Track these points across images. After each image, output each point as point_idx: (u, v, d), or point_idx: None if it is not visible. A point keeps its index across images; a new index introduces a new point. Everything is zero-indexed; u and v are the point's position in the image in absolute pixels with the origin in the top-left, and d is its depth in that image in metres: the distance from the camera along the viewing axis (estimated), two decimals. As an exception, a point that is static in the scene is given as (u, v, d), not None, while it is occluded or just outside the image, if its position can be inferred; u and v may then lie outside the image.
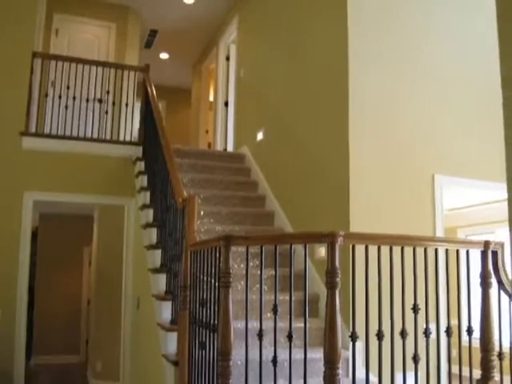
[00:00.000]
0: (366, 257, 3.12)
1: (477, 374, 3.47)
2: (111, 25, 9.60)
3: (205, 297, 3.83)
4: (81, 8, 9.42)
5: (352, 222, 5.14)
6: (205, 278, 3.88)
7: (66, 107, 7.21)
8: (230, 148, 9.36)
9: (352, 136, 5.30)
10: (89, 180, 7.31)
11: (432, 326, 3.31)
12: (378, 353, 3.03)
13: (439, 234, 5.46)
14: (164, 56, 12.16)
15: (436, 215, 5.48)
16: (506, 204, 2.22)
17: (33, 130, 7.29)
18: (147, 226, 6.15)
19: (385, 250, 3.17)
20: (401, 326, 3.16)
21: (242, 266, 5.42)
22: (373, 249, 3.14)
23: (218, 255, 3.56)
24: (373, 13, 5.61)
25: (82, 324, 12.49)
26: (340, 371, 2.86)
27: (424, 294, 3.27)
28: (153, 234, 5.94)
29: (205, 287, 3.85)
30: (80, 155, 7.30)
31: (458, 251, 3.56)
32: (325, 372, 2.85)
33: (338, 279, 2.89)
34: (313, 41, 6.29)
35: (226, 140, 9.70)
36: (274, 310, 3.19)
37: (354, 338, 3.06)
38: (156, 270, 5.47)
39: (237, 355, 3.54)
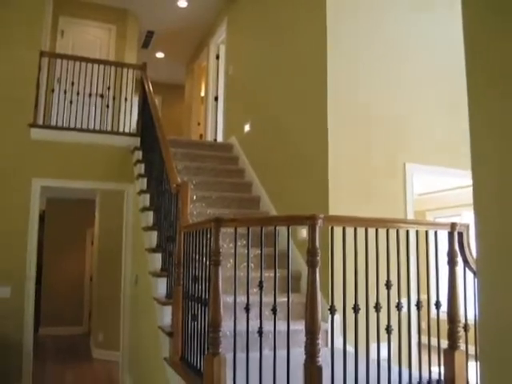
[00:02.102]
0: (344, 237, 3.10)
1: (444, 344, 3.47)
2: (112, 27, 9.50)
3: (197, 274, 3.80)
4: (84, 11, 9.31)
5: (331, 205, 5.12)
6: (197, 257, 3.84)
7: (71, 101, 7.14)
8: (219, 139, 9.31)
9: (330, 128, 5.27)
10: (91, 167, 7.24)
11: (403, 301, 3.29)
12: (354, 325, 3.01)
13: (410, 216, 5.45)
14: (160, 55, 12.06)
15: (407, 200, 5.47)
16: (470, 189, 2.20)
17: (40, 122, 7.22)
18: (144, 209, 6.10)
19: (360, 231, 3.15)
20: (375, 300, 3.14)
21: (230, 245, 5.39)
22: (350, 230, 3.12)
23: (208, 236, 3.53)
24: (350, 14, 5.57)
25: (85, 298, 12.45)
26: (320, 341, 2.84)
27: (396, 272, 3.26)
28: (149, 217, 5.90)
29: (197, 265, 3.81)
30: (83, 145, 7.22)
31: (427, 232, 3.55)
32: (306, 342, 2.83)
33: (318, 258, 2.86)
34: (295, 41, 6.24)
35: (216, 131, 9.64)
36: (260, 286, 3.16)
37: (332, 311, 3.04)
38: (152, 250, 5.43)
39: (226, 327, 3.51)
